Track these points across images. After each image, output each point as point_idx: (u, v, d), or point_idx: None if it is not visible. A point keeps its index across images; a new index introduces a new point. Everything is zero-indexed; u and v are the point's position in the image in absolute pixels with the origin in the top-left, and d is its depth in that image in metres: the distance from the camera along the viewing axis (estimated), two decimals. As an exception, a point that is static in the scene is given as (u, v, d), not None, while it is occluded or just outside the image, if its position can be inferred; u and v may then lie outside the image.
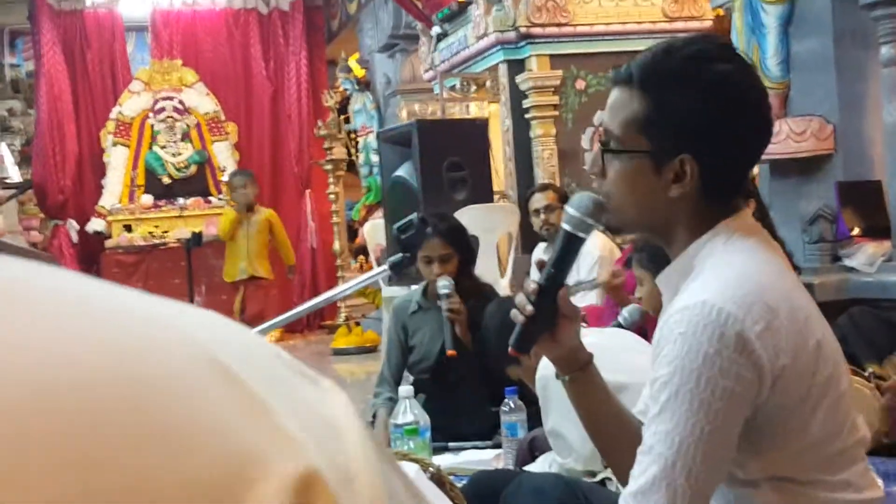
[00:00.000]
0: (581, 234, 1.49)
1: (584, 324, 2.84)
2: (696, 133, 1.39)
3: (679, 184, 1.40)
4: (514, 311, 1.51)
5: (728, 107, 1.39)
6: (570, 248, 1.51)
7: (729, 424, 1.29)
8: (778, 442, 1.33)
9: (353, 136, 10.67)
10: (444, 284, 3.47)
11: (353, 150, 10.63)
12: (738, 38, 4.84)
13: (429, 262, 3.55)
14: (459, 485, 2.46)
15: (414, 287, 4.03)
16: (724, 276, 1.35)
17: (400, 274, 1.99)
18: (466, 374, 3.53)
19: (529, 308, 1.48)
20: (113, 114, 10.24)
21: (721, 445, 1.30)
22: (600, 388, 1.55)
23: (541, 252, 4.90)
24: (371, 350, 8.16)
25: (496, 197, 6.33)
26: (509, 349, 1.52)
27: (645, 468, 1.30)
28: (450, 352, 3.44)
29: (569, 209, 1.49)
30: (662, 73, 1.40)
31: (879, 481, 1.99)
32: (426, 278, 3.62)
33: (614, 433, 1.54)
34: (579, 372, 1.54)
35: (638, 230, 1.52)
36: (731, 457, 1.32)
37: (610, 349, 2.41)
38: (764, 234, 1.47)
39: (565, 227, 1.50)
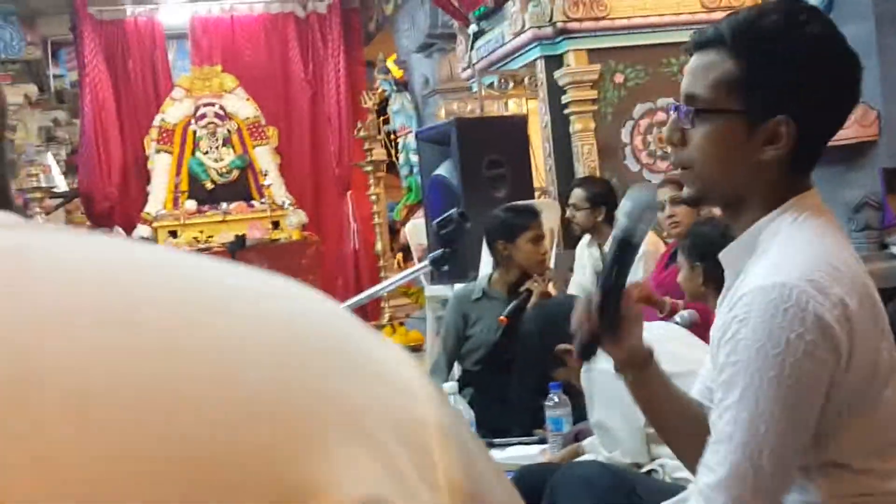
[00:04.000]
0: (635, 241, 1.46)
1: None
2: (793, 94, 1.37)
3: (773, 146, 1.38)
4: (576, 321, 1.49)
5: (825, 68, 1.38)
6: (625, 255, 1.48)
7: (812, 408, 1.27)
8: (841, 426, 1.30)
9: (392, 136, 10.70)
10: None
11: (392, 151, 10.67)
12: (778, 26, 4.80)
13: (538, 240, 3.72)
14: (506, 479, 2.47)
15: (458, 284, 4.04)
16: (797, 256, 1.32)
17: (440, 269, 2.00)
18: (517, 365, 3.54)
19: (594, 318, 1.47)
20: (156, 121, 10.38)
21: (805, 430, 1.27)
22: (663, 383, 1.53)
23: (585, 245, 4.87)
24: (416, 349, 8.18)
25: (537, 193, 6.31)
26: (575, 356, 1.52)
27: (725, 457, 1.26)
28: (502, 318, 3.53)
29: (620, 216, 1.46)
30: (758, 32, 1.38)
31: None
32: (534, 258, 3.71)
33: (680, 425, 1.52)
34: (641, 369, 1.52)
35: (718, 198, 1.45)
36: (808, 441, 1.28)
37: (657, 340, 2.40)
38: (830, 215, 1.45)
39: (618, 233, 1.48)
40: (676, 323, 3.33)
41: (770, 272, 1.30)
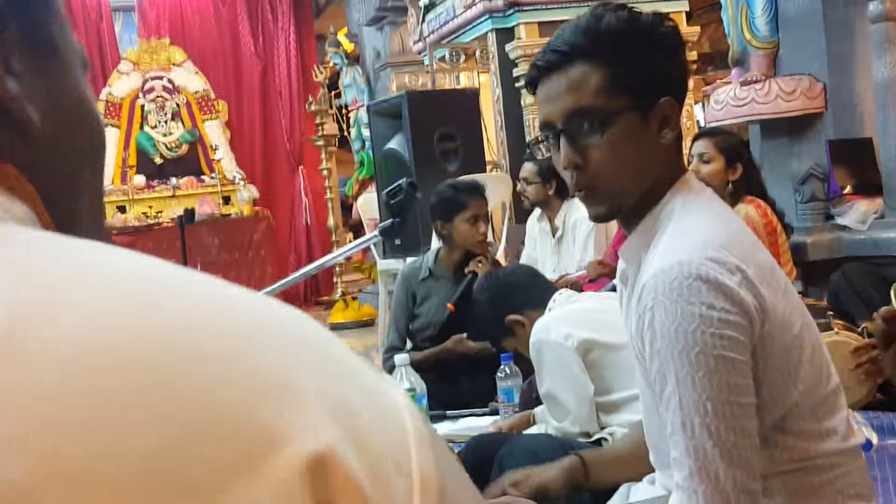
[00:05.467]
0: None
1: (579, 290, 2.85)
2: (662, 75, 1.42)
3: (668, 128, 1.42)
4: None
5: (668, 46, 1.43)
6: None
7: (745, 371, 1.28)
8: (770, 392, 1.33)
9: (344, 110, 10.63)
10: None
11: (344, 125, 10.59)
12: (726, -1, 4.83)
13: (476, 220, 3.61)
14: (457, 451, 2.47)
15: (410, 258, 4.03)
16: (690, 235, 1.34)
17: (391, 241, 1.99)
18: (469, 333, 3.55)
19: None
20: (102, 95, 10.20)
21: (747, 392, 1.28)
22: (611, 465, 1.61)
23: (536, 219, 4.89)
24: (368, 324, 8.17)
25: (489, 166, 6.32)
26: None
27: (686, 446, 1.27)
28: (450, 305, 3.50)
29: None
30: (607, 32, 1.41)
31: (868, 432, 2.01)
32: (472, 239, 3.63)
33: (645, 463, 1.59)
34: (587, 480, 1.60)
35: (629, 205, 1.44)
36: (754, 403, 1.30)
37: (606, 311, 2.42)
38: (710, 191, 1.48)
39: None
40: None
41: (666, 254, 1.32)
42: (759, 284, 1.30)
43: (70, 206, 0.53)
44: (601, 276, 4.13)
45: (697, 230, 1.35)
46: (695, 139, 3.95)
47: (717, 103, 4.82)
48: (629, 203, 1.44)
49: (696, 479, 1.26)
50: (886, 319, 1.95)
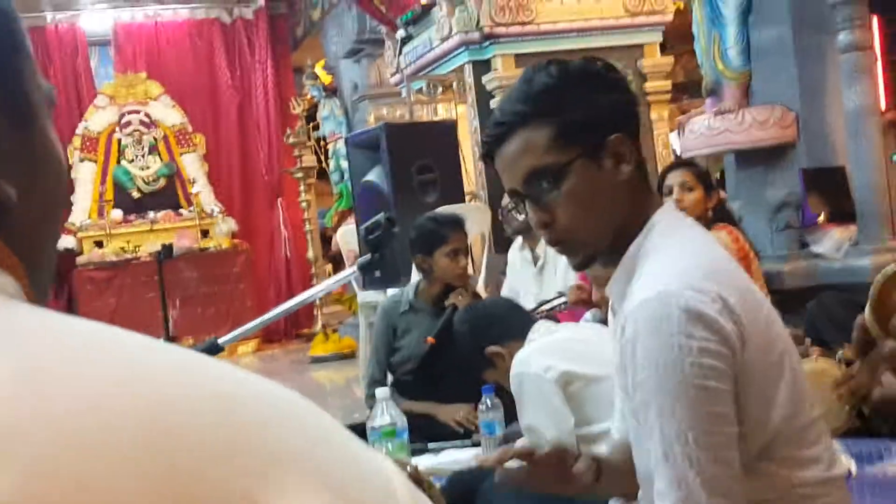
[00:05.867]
0: None
1: (555, 321, 2.86)
2: (605, 115, 1.45)
3: (624, 163, 1.44)
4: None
5: (610, 88, 1.46)
6: None
7: (727, 400, 1.29)
8: (752, 419, 1.34)
9: (322, 142, 10.65)
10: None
11: (322, 157, 10.61)
12: (699, 30, 4.89)
13: (456, 254, 3.60)
14: (439, 485, 2.47)
15: (391, 290, 4.02)
16: (670, 265, 1.37)
17: (370, 275, 1.99)
18: (448, 374, 3.54)
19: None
20: (79, 129, 10.18)
21: (729, 422, 1.29)
22: (619, 476, 1.59)
23: (517, 249, 4.90)
24: (349, 356, 8.15)
25: (468, 197, 6.34)
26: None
27: (669, 478, 1.27)
28: (430, 339, 3.49)
29: None
30: (541, 91, 1.45)
31: (847, 460, 2.02)
32: (452, 272, 3.63)
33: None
34: (597, 483, 1.60)
35: (605, 247, 1.47)
36: (737, 432, 1.31)
37: (586, 342, 2.43)
38: (692, 220, 1.51)
39: None
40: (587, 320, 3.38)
41: (647, 286, 1.34)
42: (739, 311, 1.32)
43: (41, 266, 0.52)
44: (580, 300, 4.13)
45: (677, 260, 1.37)
46: (668, 170, 4.00)
47: (691, 133, 4.87)
48: (603, 245, 1.47)
49: None
50: (862, 329, 1.99)
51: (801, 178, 4.61)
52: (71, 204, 10.00)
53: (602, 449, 2.25)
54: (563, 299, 4.42)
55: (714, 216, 3.87)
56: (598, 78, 1.46)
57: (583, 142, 1.43)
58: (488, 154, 1.52)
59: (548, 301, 4.46)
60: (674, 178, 3.86)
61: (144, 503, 0.34)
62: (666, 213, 1.46)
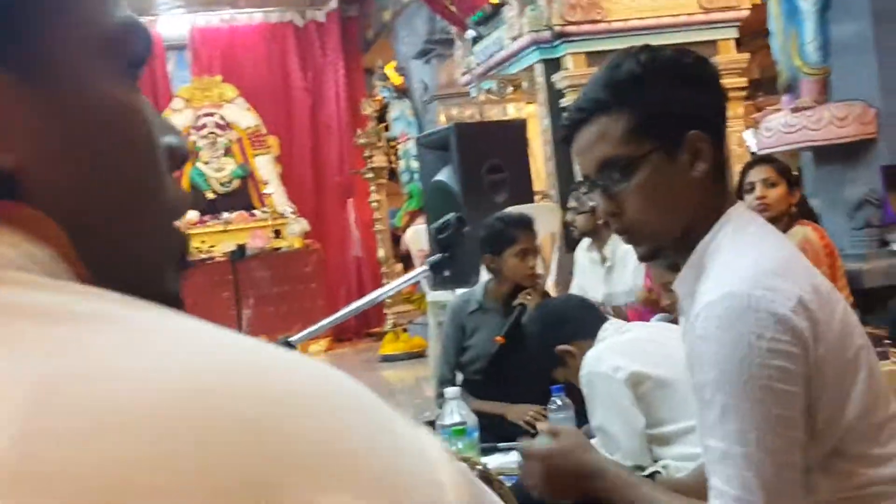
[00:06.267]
0: None
1: (625, 319, 2.83)
2: (688, 110, 1.42)
3: (700, 160, 1.42)
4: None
5: (698, 83, 1.44)
6: None
7: (795, 403, 1.27)
8: (826, 418, 1.31)
9: (392, 143, 10.72)
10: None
11: (393, 158, 10.67)
12: (776, 25, 4.80)
13: (525, 254, 3.61)
14: (509, 484, 2.46)
15: (460, 290, 4.03)
16: (741, 264, 1.34)
17: (440, 275, 1.99)
18: (518, 374, 3.53)
19: None
20: (156, 132, 10.39)
21: (794, 425, 1.27)
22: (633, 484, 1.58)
23: (584, 249, 4.87)
24: (419, 355, 8.18)
25: (537, 197, 6.31)
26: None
27: (731, 475, 1.26)
28: (499, 338, 3.49)
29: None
30: (629, 80, 1.43)
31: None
32: (521, 273, 3.63)
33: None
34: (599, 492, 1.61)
35: (671, 241, 1.46)
36: (804, 436, 1.29)
37: (656, 342, 2.40)
38: (762, 218, 1.49)
39: None
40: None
41: (717, 286, 1.33)
42: (814, 308, 1.29)
43: (113, 239, 0.45)
44: (649, 303, 4.09)
45: (748, 259, 1.35)
46: (749, 166, 3.91)
47: (767, 130, 4.78)
48: (670, 240, 1.45)
49: None
50: None
51: (882, 176, 4.49)
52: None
53: (677, 450, 2.23)
54: (631, 300, 4.39)
55: (798, 213, 3.79)
56: (685, 71, 1.44)
57: (660, 135, 1.41)
58: (566, 138, 1.52)
59: (612, 296, 4.43)
60: (756, 175, 3.77)
61: (170, 482, 0.32)
62: (738, 212, 1.44)
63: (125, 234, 0.46)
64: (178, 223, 0.51)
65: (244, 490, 0.32)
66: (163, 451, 0.32)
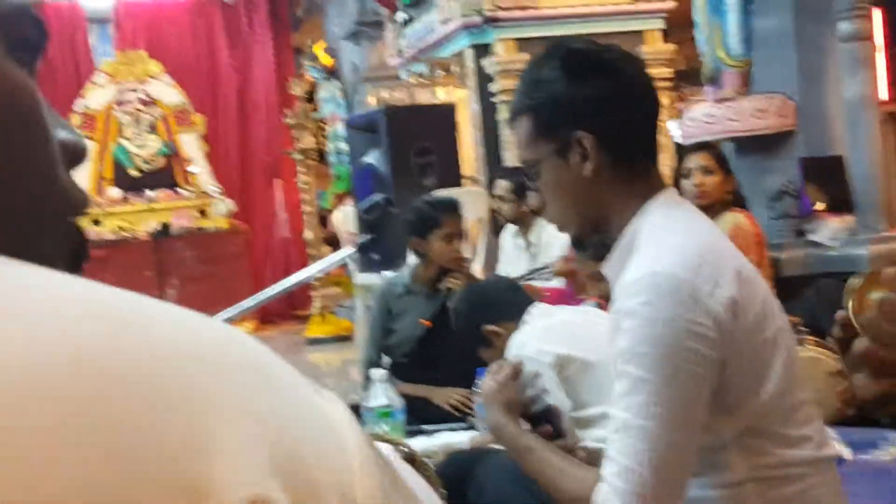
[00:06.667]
0: None
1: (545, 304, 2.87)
2: (570, 110, 1.46)
3: (587, 160, 1.45)
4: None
5: (587, 78, 1.47)
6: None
7: (702, 385, 1.31)
8: (742, 396, 1.35)
9: (321, 124, 10.63)
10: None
11: (321, 139, 10.60)
12: (700, 17, 4.88)
13: (451, 238, 3.59)
14: (433, 467, 2.48)
15: (388, 273, 4.03)
16: (666, 244, 1.38)
17: (368, 256, 2.00)
18: (444, 357, 3.55)
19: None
20: (78, 107, 10.15)
21: (699, 408, 1.31)
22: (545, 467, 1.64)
23: (510, 235, 4.91)
24: (345, 338, 8.16)
25: (465, 181, 6.34)
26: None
27: (626, 445, 1.29)
28: (426, 321, 3.49)
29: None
30: (529, 83, 1.51)
31: (841, 447, 2.03)
32: (447, 256, 3.61)
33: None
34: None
35: (584, 230, 1.54)
36: (705, 419, 1.33)
37: (583, 325, 2.44)
38: (691, 205, 1.55)
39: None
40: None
41: (643, 264, 1.37)
42: (733, 291, 1.33)
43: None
44: (564, 272, 4.10)
45: (675, 241, 1.39)
46: (687, 152, 3.94)
47: (690, 120, 4.87)
48: (584, 234, 1.56)
49: (622, 478, 1.29)
50: (842, 325, 2.00)
51: (800, 167, 4.61)
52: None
53: (598, 433, 2.27)
54: (549, 270, 4.44)
55: (731, 200, 3.83)
56: (573, 68, 1.47)
57: (552, 138, 1.47)
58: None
59: (535, 270, 4.48)
60: (693, 161, 3.79)
61: (65, 446, 0.31)
62: (665, 196, 1.47)
63: (8, 222, 0.43)
64: (73, 220, 0.48)
65: (140, 460, 0.32)
66: (50, 420, 0.32)
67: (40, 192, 0.45)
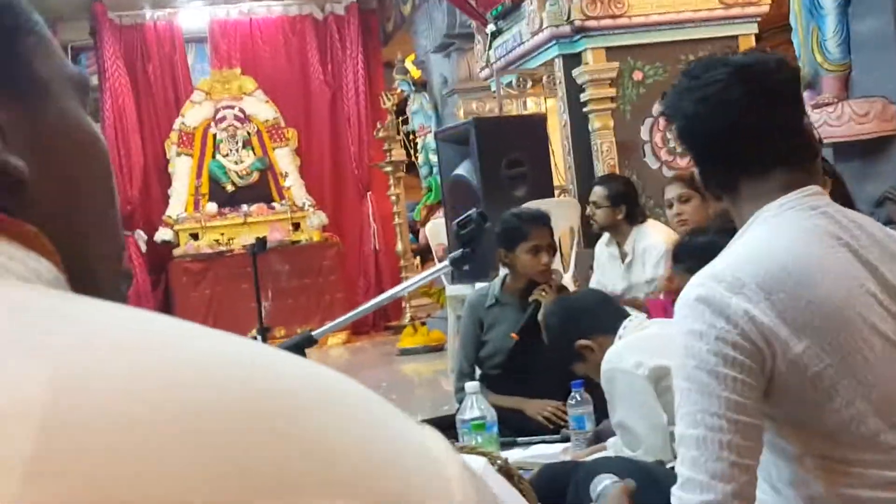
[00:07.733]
0: None
1: (646, 315, 2.84)
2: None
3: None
4: None
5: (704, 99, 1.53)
6: None
7: (743, 389, 1.32)
8: (808, 417, 1.35)
9: (411, 136, 10.72)
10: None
11: (412, 151, 10.68)
12: (797, 22, 4.78)
13: (537, 250, 3.60)
14: (527, 478, 2.47)
15: (479, 284, 4.04)
16: (723, 260, 1.43)
17: (461, 269, 2.01)
18: (536, 369, 3.54)
19: None
20: (176, 124, 10.44)
21: (743, 412, 1.32)
22: None
23: (604, 244, 4.87)
24: (437, 349, 8.20)
25: (556, 192, 6.32)
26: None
27: (684, 456, 1.33)
28: (514, 335, 3.50)
29: None
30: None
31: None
32: (534, 268, 3.62)
33: None
34: None
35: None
36: (758, 424, 1.34)
37: (672, 338, 2.41)
38: (793, 214, 1.46)
39: None
40: None
41: (692, 281, 1.42)
42: (782, 309, 1.34)
43: (84, 254, 0.48)
44: (671, 292, 4.09)
45: (732, 257, 1.43)
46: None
47: (788, 126, 4.77)
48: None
49: (685, 488, 1.31)
50: None
51: (903, 173, 4.47)
52: (168, 197, 10.27)
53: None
54: (653, 284, 4.40)
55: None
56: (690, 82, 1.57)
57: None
58: None
59: (634, 286, 4.44)
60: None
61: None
62: (773, 206, 1.48)
63: (95, 255, 0.49)
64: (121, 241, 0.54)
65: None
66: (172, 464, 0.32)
67: (120, 237, 0.52)
